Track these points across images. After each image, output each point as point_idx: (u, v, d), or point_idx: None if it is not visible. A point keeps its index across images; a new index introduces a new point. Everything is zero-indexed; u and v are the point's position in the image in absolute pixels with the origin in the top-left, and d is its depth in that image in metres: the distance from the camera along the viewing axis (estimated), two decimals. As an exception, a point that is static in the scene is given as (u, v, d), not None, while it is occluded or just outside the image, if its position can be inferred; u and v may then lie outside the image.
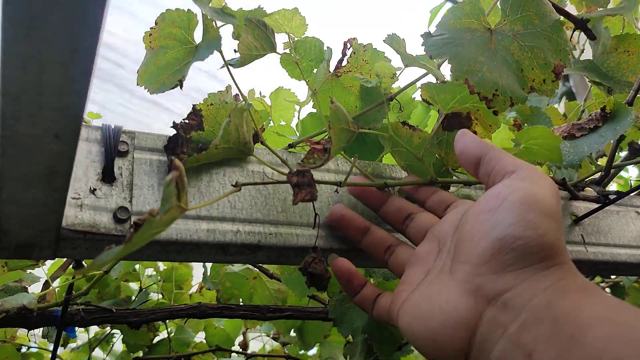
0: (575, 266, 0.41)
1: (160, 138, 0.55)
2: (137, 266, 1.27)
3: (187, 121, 0.53)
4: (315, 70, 0.66)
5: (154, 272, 1.34)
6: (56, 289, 0.86)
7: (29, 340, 1.14)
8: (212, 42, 0.54)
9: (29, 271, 0.77)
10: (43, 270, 0.80)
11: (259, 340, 1.74)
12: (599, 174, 0.71)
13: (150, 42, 0.54)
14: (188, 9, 0.54)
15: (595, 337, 0.32)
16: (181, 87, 0.52)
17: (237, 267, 1.30)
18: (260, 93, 0.91)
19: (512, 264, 0.38)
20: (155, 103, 2.64)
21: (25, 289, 0.62)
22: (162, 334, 1.36)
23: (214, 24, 0.54)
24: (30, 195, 0.40)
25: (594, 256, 0.69)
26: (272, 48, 0.60)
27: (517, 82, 0.46)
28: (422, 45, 0.52)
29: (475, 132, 0.54)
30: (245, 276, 1.18)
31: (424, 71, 0.60)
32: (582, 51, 0.80)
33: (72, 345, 1.53)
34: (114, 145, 0.51)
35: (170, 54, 0.55)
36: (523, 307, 0.36)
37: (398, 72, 0.62)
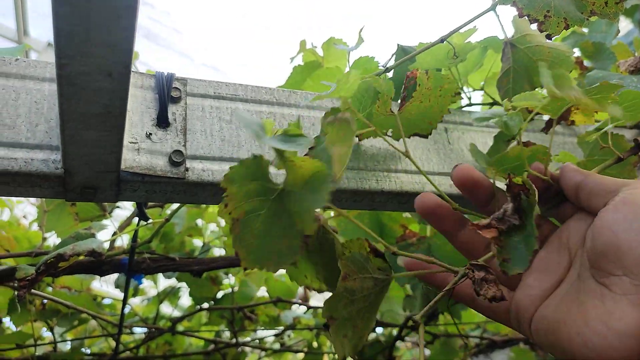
0: None
1: (211, 84, 0.56)
2: (199, 222, 1.32)
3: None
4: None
5: (217, 228, 1.39)
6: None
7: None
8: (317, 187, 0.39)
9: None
10: (111, 222, 0.85)
11: (320, 296, 1.78)
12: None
13: (230, 214, 0.42)
14: (253, 155, 0.42)
15: None
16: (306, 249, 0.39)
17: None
18: (312, 44, 0.90)
19: None
20: (215, 69, 2.71)
21: (93, 235, 0.66)
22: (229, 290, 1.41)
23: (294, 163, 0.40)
24: (89, 136, 0.42)
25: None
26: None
27: (573, 4, 0.43)
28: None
29: (573, 122, 0.52)
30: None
31: (477, 12, 0.57)
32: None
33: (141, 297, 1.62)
34: (167, 91, 0.53)
35: (263, 215, 0.43)
36: None
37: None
